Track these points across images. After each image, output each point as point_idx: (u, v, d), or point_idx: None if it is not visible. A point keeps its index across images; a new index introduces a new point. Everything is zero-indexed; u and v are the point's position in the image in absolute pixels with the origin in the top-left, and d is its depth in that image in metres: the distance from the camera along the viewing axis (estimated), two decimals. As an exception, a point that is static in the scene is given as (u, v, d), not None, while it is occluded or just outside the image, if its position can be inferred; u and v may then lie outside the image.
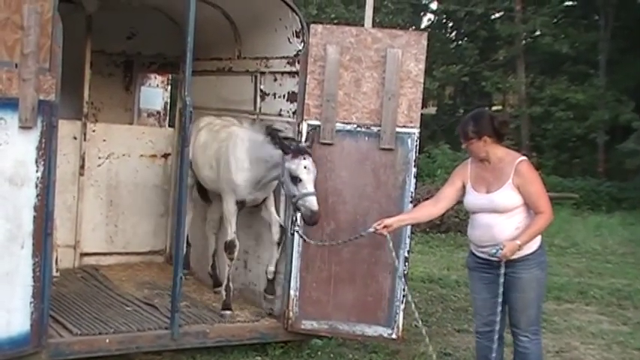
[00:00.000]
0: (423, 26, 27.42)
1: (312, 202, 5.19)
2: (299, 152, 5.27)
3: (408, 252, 5.62)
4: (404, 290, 5.60)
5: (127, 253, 7.55)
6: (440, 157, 20.52)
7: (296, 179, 5.24)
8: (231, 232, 5.95)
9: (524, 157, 4.69)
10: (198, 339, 5.51)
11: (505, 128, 4.75)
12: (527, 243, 4.53)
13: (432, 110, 29.97)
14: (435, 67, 24.91)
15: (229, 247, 5.96)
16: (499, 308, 4.61)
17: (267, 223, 6.02)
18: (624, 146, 21.28)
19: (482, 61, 25.64)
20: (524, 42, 25.23)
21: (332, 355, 5.93)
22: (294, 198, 5.29)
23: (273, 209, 6.00)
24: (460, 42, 28.36)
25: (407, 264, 5.67)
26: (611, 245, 12.54)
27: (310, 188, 5.23)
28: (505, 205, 4.58)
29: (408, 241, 5.59)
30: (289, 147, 5.31)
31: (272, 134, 5.48)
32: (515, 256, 4.54)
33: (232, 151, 5.86)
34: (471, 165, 4.85)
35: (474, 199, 4.74)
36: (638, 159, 20.96)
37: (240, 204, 5.93)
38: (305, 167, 5.24)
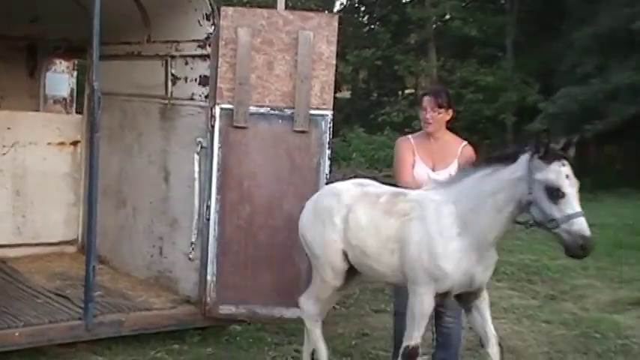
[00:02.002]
0: (335, 10, 27.50)
1: (583, 226, 3.83)
2: (556, 156, 3.93)
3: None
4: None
5: (36, 244, 7.32)
6: (355, 141, 20.74)
7: (556, 194, 3.86)
8: (418, 334, 4.38)
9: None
10: (114, 328, 5.40)
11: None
12: None
13: (346, 94, 30.20)
14: (348, 51, 25.09)
15: (411, 356, 4.42)
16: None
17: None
18: (531, 127, 21.93)
19: (394, 45, 25.96)
20: (434, 26, 25.71)
21: (251, 340, 5.91)
22: (551, 222, 3.87)
23: (488, 314, 4.51)
24: (373, 26, 28.66)
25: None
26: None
27: (577, 207, 3.86)
28: None
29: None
30: (543, 148, 3.94)
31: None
32: None
33: (433, 222, 4.28)
34: (414, 140, 5.04)
35: (423, 172, 4.90)
36: (545, 139, 21.64)
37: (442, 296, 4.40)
38: (567, 177, 3.90)
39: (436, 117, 4.90)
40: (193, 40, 5.88)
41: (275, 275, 5.60)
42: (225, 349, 5.70)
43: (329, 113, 5.56)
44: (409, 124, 23.60)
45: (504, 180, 4.04)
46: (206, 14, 5.73)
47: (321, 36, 5.46)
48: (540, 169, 3.90)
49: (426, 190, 4.51)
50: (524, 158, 3.99)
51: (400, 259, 4.33)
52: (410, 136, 5.12)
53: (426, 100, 4.93)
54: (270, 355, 5.66)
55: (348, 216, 4.53)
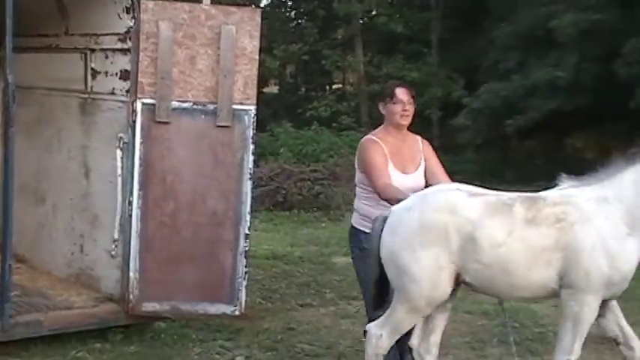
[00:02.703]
0: (262, 5, 27.40)
1: None
2: None
3: (249, 229, 5.63)
4: (246, 267, 5.62)
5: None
6: (283, 136, 20.67)
7: None
8: (579, 346, 4.15)
9: None
10: (31, 329, 5.27)
11: None
12: None
13: (274, 89, 30.16)
14: (275, 45, 25.02)
15: None
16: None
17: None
18: (456, 121, 22.38)
19: (321, 40, 26.02)
20: (361, 21, 25.87)
21: (175, 337, 5.86)
22: None
23: (619, 311, 4.37)
24: (300, 21, 28.63)
25: (248, 241, 5.68)
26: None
27: None
28: (423, 184, 4.62)
29: (248, 218, 5.60)
30: None
31: None
32: None
33: (602, 223, 4.05)
34: (382, 142, 4.67)
35: (402, 180, 4.56)
36: (469, 133, 22.16)
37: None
38: None
39: (411, 109, 4.69)
40: (113, 34, 5.77)
41: (199, 271, 5.56)
42: (150, 347, 5.64)
43: (252, 108, 5.56)
44: (336, 119, 23.76)
45: None
46: (126, 7, 5.62)
47: (243, 30, 5.44)
48: None
49: (564, 189, 4.23)
50: None
51: (562, 269, 4.00)
52: (373, 136, 4.70)
53: (402, 92, 4.65)
54: (195, 351, 5.64)
55: (474, 233, 3.99)
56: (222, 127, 5.49)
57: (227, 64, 5.40)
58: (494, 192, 4.25)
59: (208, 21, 5.39)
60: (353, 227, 4.78)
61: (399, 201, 4.25)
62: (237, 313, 5.63)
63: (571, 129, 23.23)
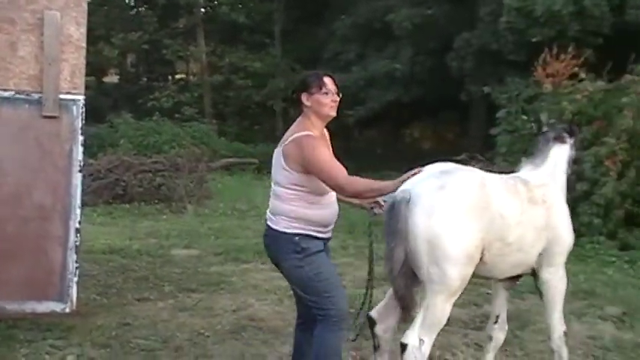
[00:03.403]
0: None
1: None
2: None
3: (79, 223, 5.43)
4: (77, 263, 5.43)
5: None
6: (123, 127, 20.15)
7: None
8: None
9: None
10: None
11: None
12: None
13: (114, 79, 29.26)
14: (113, 34, 24.31)
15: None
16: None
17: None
18: (297, 113, 22.65)
19: (162, 29, 25.54)
20: (203, 10, 25.61)
21: (0, 339, 5.55)
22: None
23: None
24: (139, 9, 27.93)
25: (79, 235, 5.49)
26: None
27: None
28: None
29: (78, 211, 5.41)
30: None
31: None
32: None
33: (563, 203, 4.47)
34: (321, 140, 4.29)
35: None
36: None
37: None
38: None
39: (337, 100, 4.29)
40: None
41: (25, 268, 5.33)
42: (-30, 351, 5.31)
43: (81, 98, 5.37)
44: (179, 110, 23.42)
45: (569, 158, 4.61)
46: (-61, -12, 5.27)
47: (69, 17, 5.23)
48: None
49: (524, 172, 4.48)
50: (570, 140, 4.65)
51: (547, 246, 4.24)
52: (308, 132, 4.17)
53: (331, 82, 4.25)
54: (21, 352, 5.34)
55: (502, 210, 3.99)
56: (48, 117, 5.26)
57: (52, 51, 5.18)
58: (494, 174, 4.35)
59: (29, 5, 5.15)
60: (284, 233, 4.11)
61: (376, 193, 4.12)
62: (67, 310, 5.44)
63: (409, 119, 24.24)
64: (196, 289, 7.28)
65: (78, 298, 5.47)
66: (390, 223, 3.94)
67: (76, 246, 5.45)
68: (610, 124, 10.32)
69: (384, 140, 24.86)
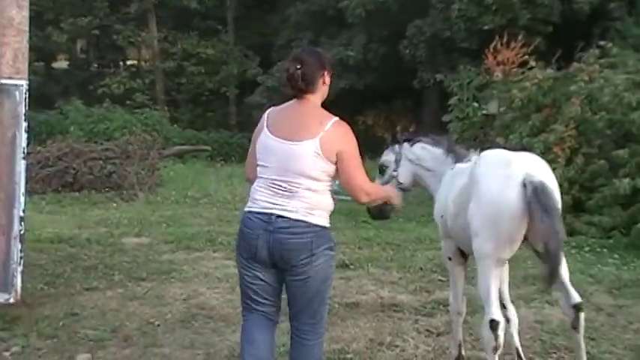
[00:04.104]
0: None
1: None
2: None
3: (23, 211, 5.31)
4: (21, 252, 5.31)
5: None
6: (72, 114, 19.82)
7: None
8: None
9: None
10: None
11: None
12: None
13: (63, 64, 28.70)
14: (62, 18, 23.84)
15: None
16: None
17: None
18: (251, 99, 22.56)
19: (112, 14, 25.12)
20: (155, -4, 25.28)
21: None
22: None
23: None
24: (89, -7, 27.42)
25: (23, 224, 5.36)
26: (240, 193, 13.21)
27: None
28: None
29: (22, 200, 5.29)
30: None
31: None
32: None
33: None
34: None
35: None
36: (264, 111, 22.38)
37: None
38: None
39: None
40: None
41: (-32, 258, 5.19)
42: None
43: (24, 83, 5.23)
44: (130, 97, 23.11)
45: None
46: None
47: (10, 0, 5.08)
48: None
49: None
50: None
51: None
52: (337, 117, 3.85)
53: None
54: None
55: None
56: (-10, 102, 5.12)
57: (-7, 35, 5.04)
58: None
59: (-32, -13, 5.00)
60: (325, 228, 3.77)
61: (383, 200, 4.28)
62: (12, 300, 5.33)
63: (362, 106, 24.24)
64: (147, 277, 7.19)
65: (23, 288, 5.36)
66: (547, 202, 3.93)
67: (21, 235, 5.34)
68: (559, 112, 10.47)
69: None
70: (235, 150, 21.36)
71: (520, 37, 13.14)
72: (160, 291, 6.67)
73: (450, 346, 4.95)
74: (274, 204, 3.69)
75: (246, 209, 3.80)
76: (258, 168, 3.77)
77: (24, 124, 5.26)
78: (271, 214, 3.69)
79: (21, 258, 5.29)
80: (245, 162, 4.03)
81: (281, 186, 3.69)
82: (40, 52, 23.57)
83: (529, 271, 7.04)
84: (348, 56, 20.24)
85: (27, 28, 5.16)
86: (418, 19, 18.89)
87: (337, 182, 4.04)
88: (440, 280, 7.26)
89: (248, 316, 3.94)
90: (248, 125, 24.19)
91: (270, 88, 21.20)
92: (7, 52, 5.10)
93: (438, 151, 4.95)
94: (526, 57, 12.61)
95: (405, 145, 5.05)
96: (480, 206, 4.07)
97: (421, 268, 7.62)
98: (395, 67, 20.03)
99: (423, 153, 5.01)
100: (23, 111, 5.24)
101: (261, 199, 3.72)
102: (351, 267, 7.80)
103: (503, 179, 4.02)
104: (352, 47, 20.45)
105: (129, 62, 29.53)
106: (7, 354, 5.07)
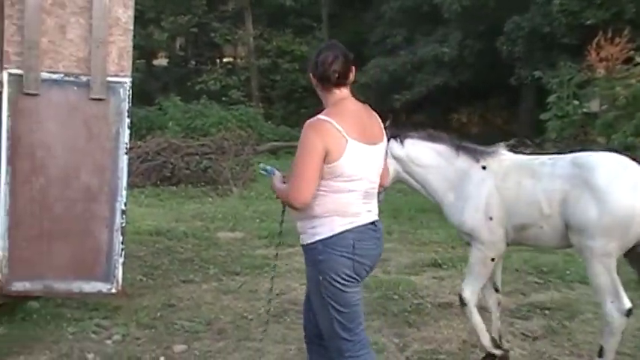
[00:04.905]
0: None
1: None
2: None
3: (125, 205, 5.46)
4: (122, 244, 5.46)
5: None
6: (171, 110, 20.31)
7: None
8: None
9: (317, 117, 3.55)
10: None
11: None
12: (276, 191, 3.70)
13: (163, 62, 29.50)
14: (163, 17, 24.48)
15: None
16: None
17: None
18: (345, 96, 22.56)
19: (210, 12, 25.64)
20: (251, -6, 25.66)
21: (49, 317, 5.66)
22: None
23: None
24: (188, -8, 28.07)
25: (124, 217, 5.52)
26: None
27: None
28: None
29: (124, 193, 5.43)
30: None
31: None
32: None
33: None
34: None
35: None
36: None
37: None
38: None
39: None
40: (-24, 0, 5.44)
41: (73, 249, 5.35)
42: (20, 328, 5.42)
43: (127, 80, 5.35)
44: (226, 93, 23.53)
45: None
46: (-10, -28, 5.32)
47: (117, 0, 5.23)
48: None
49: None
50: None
51: None
52: None
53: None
54: (69, 331, 5.46)
55: None
56: (95, 99, 5.27)
57: (100, 34, 5.18)
58: None
59: (79, -12, 5.16)
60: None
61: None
62: (113, 290, 5.46)
63: (456, 104, 23.93)
64: (240, 271, 7.32)
65: (124, 278, 5.50)
66: None
67: (122, 227, 5.48)
68: (665, 110, 10.05)
69: (432, 125, 24.33)
70: (327, 146, 21.42)
71: (625, 32, 12.65)
72: (253, 285, 6.78)
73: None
74: (369, 211, 3.56)
75: (346, 227, 3.44)
76: (341, 184, 3.43)
77: (127, 121, 5.40)
78: (373, 221, 3.55)
79: (122, 250, 5.44)
80: (297, 181, 3.42)
81: (369, 192, 3.56)
82: (141, 50, 24.29)
83: (630, 277, 6.78)
84: (443, 53, 19.98)
85: (132, 27, 5.30)
86: (516, 14, 18.45)
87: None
88: (536, 282, 7.09)
89: (368, 349, 3.65)
90: (341, 122, 24.25)
91: (363, 86, 21.15)
92: (113, 51, 5.25)
93: (440, 147, 4.86)
94: (631, 53, 12.12)
95: (393, 142, 4.84)
96: (606, 211, 4.22)
97: (516, 270, 7.45)
98: (491, 63, 19.64)
99: (419, 149, 4.88)
100: (127, 107, 5.37)
101: (358, 210, 3.50)
102: (444, 266, 7.72)
103: (630, 189, 4.24)
104: (447, 44, 20.17)
105: (225, 59, 30.07)
106: (109, 342, 5.26)
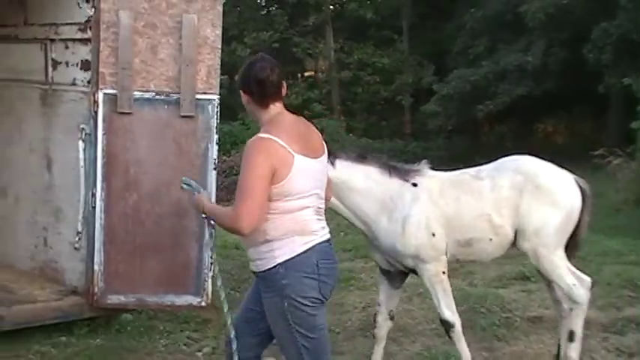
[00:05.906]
0: (231, -8, 27.20)
1: None
2: None
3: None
4: (211, 258, 5.57)
5: None
6: (254, 124, 20.58)
7: None
8: None
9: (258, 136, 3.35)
10: (-7, 324, 5.21)
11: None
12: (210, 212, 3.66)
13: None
14: (246, 33, 24.91)
15: None
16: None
17: None
18: (426, 108, 22.43)
19: (292, 27, 25.95)
20: (331, 7, 25.83)
21: (142, 329, 5.82)
22: None
23: None
24: (270, 8, 28.48)
25: (213, 231, 5.63)
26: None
27: None
28: None
29: (214, 208, 5.55)
30: None
31: None
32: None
33: None
34: None
35: None
36: (439, 119, 22.22)
37: None
38: None
39: None
40: (73, 23, 5.67)
41: (164, 263, 5.52)
42: (115, 339, 5.60)
43: (216, 97, 5.50)
44: (308, 107, 23.73)
45: None
46: (85, -4, 5.55)
47: (205, 19, 5.37)
48: None
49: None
50: None
51: None
52: None
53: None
54: (161, 343, 5.60)
55: None
56: (185, 117, 5.43)
57: (189, 53, 5.34)
58: None
59: (169, 10, 5.33)
60: None
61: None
62: (203, 304, 5.60)
63: (541, 113, 23.44)
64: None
65: (213, 292, 5.62)
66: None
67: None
68: None
69: (515, 135, 24.12)
70: (410, 159, 21.32)
71: None
72: (340, 299, 6.78)
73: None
74: (323, 227, 3.48)
75: (308, 245, 3.34)
76: (292, 203, 3.31)
77: (215, 137, 5.54)
78: (328, 239, 3.48)
79: (211, 264, 5.55)
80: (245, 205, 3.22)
81: (320, 208, 3.45)
82: (225, 67, 24.60)
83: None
84: (527, 62, 19.62)
85: (219, 46, 5.44)
86: (603, 20, 17.96)
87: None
88: (629, 296, 6.86)
89: None
90: (422, 133, 24.10)
91: (445, 97, 20.98)
92: (202, 69, 5.40)
93: (370, 169, 4.64)
94: None
95: None
96: (560, 210, 4.60)
97: (609, 284, 7.21)
98: (576, 72, 19.16)
99: (351, 172, 4.61)
100: (215, 124, 5.52)
101: (315, 228, 3.41)
102: (532, 279, 7.54)
103: (571, 186, 4.67)
104: (531, 52, 19.80)
105: (306, 73, 30.34)
106: (199, 354, 5.38)
